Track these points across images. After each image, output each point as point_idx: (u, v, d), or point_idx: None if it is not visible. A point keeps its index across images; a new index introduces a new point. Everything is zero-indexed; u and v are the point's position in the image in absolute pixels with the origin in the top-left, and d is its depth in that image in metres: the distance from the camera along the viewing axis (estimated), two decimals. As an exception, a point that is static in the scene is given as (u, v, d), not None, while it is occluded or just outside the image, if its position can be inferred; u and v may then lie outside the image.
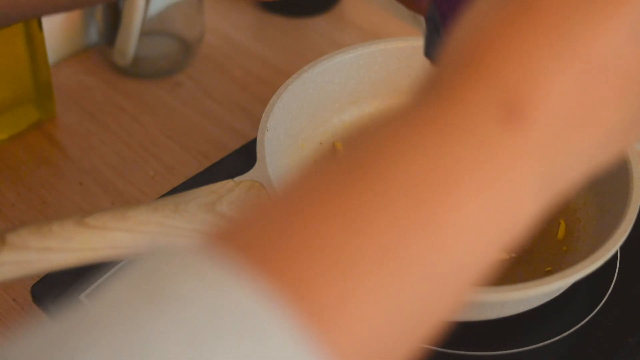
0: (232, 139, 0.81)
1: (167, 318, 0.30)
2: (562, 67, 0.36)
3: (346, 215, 0.33)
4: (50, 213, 0.75)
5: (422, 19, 0.62)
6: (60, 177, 0.78)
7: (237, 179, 0.62)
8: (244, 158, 0.72)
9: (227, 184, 0.61)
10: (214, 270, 0.31)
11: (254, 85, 0.86)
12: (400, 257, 0.33)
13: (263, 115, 0.67)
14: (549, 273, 0.65)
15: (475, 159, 0.35)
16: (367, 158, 0.35)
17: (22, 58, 0.77)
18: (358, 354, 0.32)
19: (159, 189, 0.77)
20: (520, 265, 0.66)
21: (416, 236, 0.33)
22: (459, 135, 0.35)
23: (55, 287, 0.64)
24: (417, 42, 0.75)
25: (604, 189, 0.66)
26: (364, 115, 0.76)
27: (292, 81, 0.70)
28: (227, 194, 0.60)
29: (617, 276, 0.67)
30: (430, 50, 0.57)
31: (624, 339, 0.64)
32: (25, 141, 0.81)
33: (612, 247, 0.59)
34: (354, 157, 0.35)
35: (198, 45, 0.88)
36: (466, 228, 0.34)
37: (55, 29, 0.86)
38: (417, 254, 0.33)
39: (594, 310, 0.65)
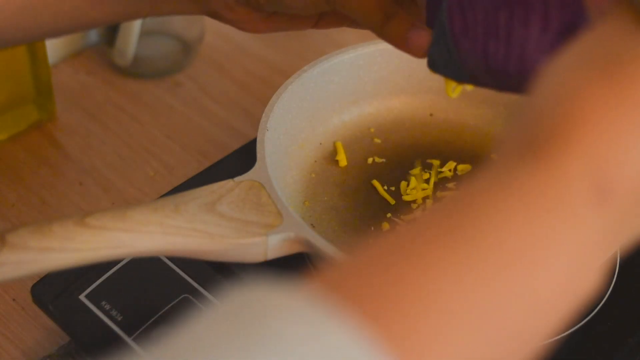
0: (232, 139, 0.81)
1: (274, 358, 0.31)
2: None
3: (438, 270, 0.35)
4: (50, 213, 0.75)
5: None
6: (60, 177, 0.78)
7: (237, 179, 0.62)
8: (244, 158, 0.72)
9: (227, 184, 0.61)
10: (315, 314, 0.32)
11: (254, 85, 0.86)
12: (489, 315, 0.35)
13: (263, 115, 0.67)
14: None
15: (563, 237, 0.37)
16: (463, 220, 0.37)
17: (22, 58, 0.77)
18: None
19: (159, 189, 0.77)
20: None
21: (503, 300, 0.36)
22: (551, 212, 0.37)
23: (55, 287, 0.64)
24: (417, 42, 0.75)
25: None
26: (364, 115, 0.76)
27: (292, 81, 0.70)
28: (227, 194, 0.60)
29: (617, 276, 0.67)
30: (435, 63, 0.57)
31: (624, 339, 0.64)
32: (25, 141, 0.81)
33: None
34: (451, 217, 0.37)
35: (198, 45, 0.88)
36: (546, 296, 0.37)
37: (55, 29, 0.86)
38: (502, 314, 0.36)
39: (594, 310, 0.65)
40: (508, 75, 0.52)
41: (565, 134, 0.38)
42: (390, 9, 0.59)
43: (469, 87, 0.59)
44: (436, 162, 0.73)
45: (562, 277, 0.37)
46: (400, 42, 0.59)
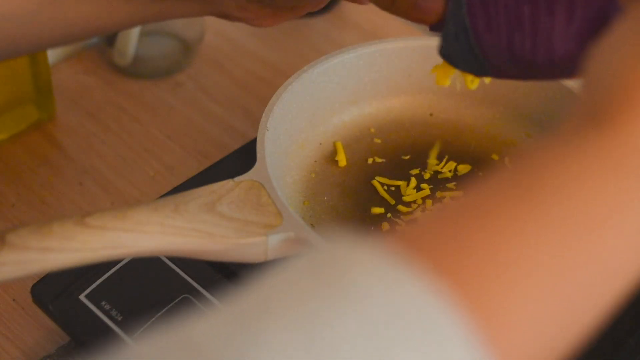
0: (232, 139, 0.81)
1: (348, 312, 0.32)
2: None
3: (514, 229, 0.36)
4: (50, 213, 0.75)
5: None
6: (60, 177, 0.78)
7: (237, 179, 0.62)
8: (244, 158, 0.72)
9: (227, 184, 0.61)
10: (394, 269, 0.33)
11: (254, 85, 0.86)
12: (562, 275, 0.36)
13: (263, 115, 0.67)
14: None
15: (635, 201, 0.38)
16: (535, 180, 0.38)
17: (22, 58, 0.77)
18: (519, 356, 0.35)
19: (159, 189, 0.77)
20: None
21: (575, 261, 0.37)
22: (620, 176, 0.38)
23: (55, 287, 0.64)
24: (417, 42, 0.75)
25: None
26: (364, 115, 0.76)
27: (292, 81, 0.70)
28: (227, 194, 0.60)
29: (617, 276, 0.67)
30: (448, 50, 0.57)
31: (624, 339, 0.64)
32: (25, 141, 0.81)
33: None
34: (523, 177, 0.38)
35: (198, 45, 0.88)
36: (615, 259, 0.38)
37: (55, 29, 0.86)
38: (574, 275, 0.37)
39: (594, 310, 0.65)
40: (536, 65, 0.52)
41: (629, 101, 0.39)
42: None
43: (487, 80, 0.59)
44: (436, 162, 0.73)
45: (633, 239, 0.38)
46: (412, 12, 0.59)
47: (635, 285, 0.40)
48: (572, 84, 0.72)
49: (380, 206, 0.69)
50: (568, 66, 0.51)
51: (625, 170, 0.38)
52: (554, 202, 0.37)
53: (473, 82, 0.60)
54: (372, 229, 0.68)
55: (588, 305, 0.38)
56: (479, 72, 0.56)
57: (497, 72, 0.55)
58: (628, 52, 0.40)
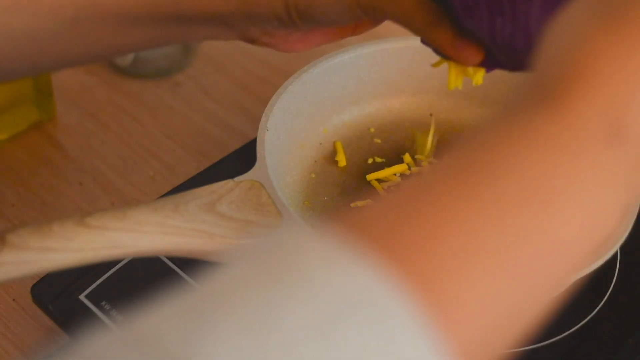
0: (232, 139, 0.81)
1: (298, 300, 0.32)
2: None
3: (465, 212, 0.36)
4: (50, 213, 0.75)
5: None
6: (60, 177, 0.78)
7: (237, 179, 0.62)
8: (244, 158, 0.72)
9: (227, 184, 0.61)
10: (344, 259, 0.33)
11: (254, 85, 0.86)
12: (513, 254, 0.36)
13: (263, 115, 0.67)
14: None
15: (581, 177, 0.38)
16: (482, 161, 0.38)
17: (22, 58, 0.77)
18: (471, 342, 0.35)
19: (159, 189, 0.77)
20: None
21: (526, 239, 0.36)
22: (568, 153, 0.38)
23: (55, 287, 0.64)
24: (417, 42, 0.75)
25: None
26: (364, 115, 0.76)
27: (292, 81, 0.70)
28: (227, 194, 0.60)
29: (617, 276, 0.67)
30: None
31: (624, 339, 0.64)
32: (25, 141, 0.81)
33: (612, 247, 0.59)
34: (470, 159, 0.38)
35: (198, 45, 0.88)
36: (567, 235, 0.37)
37: (55, 29, 0.86)
38: (526, 253, 0.36)
39: (594, 310, 0.65)
40: (516, 51, 0.52)
41: (578, 78, 0.39)
42: (433, 13, 0.58)
43: (477, 80, 0.59)
44: (436, 162, 0.73)
45: (582, 215, 0.37)
46: (449, 48, 0.59)
47: (589, 262, 0.40)
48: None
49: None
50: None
51: (572, 149, 0.38)
52: (505, 183, 0.37)
53: (475, 75, 0.60)
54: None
55: (543, 286, 0.37)
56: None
57: (485, 61, 0.56)
58: (579, 27, 0.40)
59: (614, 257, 0.66)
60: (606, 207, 0.39)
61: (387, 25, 0.92)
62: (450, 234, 0.35)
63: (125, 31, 0.61)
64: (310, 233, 0.35)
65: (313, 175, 0.71)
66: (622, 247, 0.62)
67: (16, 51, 0.59)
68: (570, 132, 0.38)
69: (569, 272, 0.38)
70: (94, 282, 0.64)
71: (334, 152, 0.73)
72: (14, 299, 0.70)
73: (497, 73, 0.76)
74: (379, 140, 0.75)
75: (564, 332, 0.64)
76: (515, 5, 0.51)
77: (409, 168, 0.71)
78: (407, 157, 0.73)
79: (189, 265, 0.65)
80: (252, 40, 0.63)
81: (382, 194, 0.37)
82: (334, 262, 0.33)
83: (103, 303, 0.63)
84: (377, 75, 0.75)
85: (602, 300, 0.66)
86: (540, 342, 0.64)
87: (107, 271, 0.65)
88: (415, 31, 0.59)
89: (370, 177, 0.71)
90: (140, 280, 0.64)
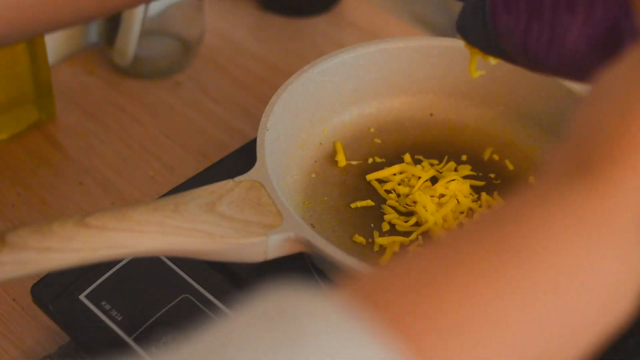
0: (232, 139, 0.81)
1: None
2: None
3: (479, 292, 0.35)
4: (50, 213, 0.75)
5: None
6: (60, 177, 0.78)
7: (237, 179, 0.62)
8: (244, 158, 0.72)
9: (227, 184, 0.61)
10: (350, 326, 0.32)
11: (254, 85, 0.86)
12: (520, 340, 0.35)
13: (263, 115, 0.67)
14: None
15: (607, 267, 0.37)
16: (506, 237, 0.36)
17: (22, 58, 0.77)
18: None
19: (159, 189, 0.77)
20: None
21: (544, 320, 0.35)
22: (599, 241, 0.36)
23: (55, 287, 0.64)
24: (417, 42, 0.75)
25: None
26: (364, 115, 0.76)
27: (292, 81, 0.70)
28: (227, 194, 0.60)
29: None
30: (464, 23, 0.56)
31: (624, 339, 0.64)
32: (25, 141, 0.81)
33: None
34: (499, 235, 0.36)
35: (198, 45, 0.88)
36: (583, 319, 0.37)
37: (55, 29, 0.86)
38: (540, 341, 0.35)
39: (594, 310, 0.65)
40: (546, 58, 0.51)
41: (620, 157, 0.37)
42: None
43: (493, 61, 0.58)
44: (436, 162, 0.73)
45: (601, 302, 0.37)
46: None
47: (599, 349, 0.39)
48: (572, 85, 0.72)
49: (380, 206, 0.69)
50: (574, 68, 0.50)
51: (604, 236, 0.36)
52: (531, 268, 0.35)
53: (478, 72, 0.59)
54: (372, 226, 0.68)
55: None
56: (488, 50, 0.55)
57: (507, 57, 0.54)
58: (625, 97, 0.38)
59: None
60: (625, 294, 0.37)
61: (387, 25, 0.93)
62: (463, 316, 0.34)
63: None
64: (320, 297, 0.34)
65: (313, 175, 0.71)
66: None
67: (3, 19, 0.59)
68: (604, 216, 0.37)
69: (578, 355, 0.37)
70: (94, 282, 0.64)
71: (334, 152, 0.73)
72: (14, 299, 0.70)
73: (498, 73, 0.76)
74: (379, 140, 0.75)
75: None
76: (556, 14, 0.49)
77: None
78: (407, 157, 0.73)
79: (189, 265, 0.65)
80: None
81: (401, 257, 0.35)
82: (341, 331, 0.32)
83: (103, 303, 0.63)
84: (377, 75, 0.75)
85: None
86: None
87: (107, 271, 0.65)
88: None
89: (370, 177, 0.71)
90: (140, 280, 0.64)
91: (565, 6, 0.49)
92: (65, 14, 0.61)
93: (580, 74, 0.50)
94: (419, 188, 0.69)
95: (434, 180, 0.70)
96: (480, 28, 0.54)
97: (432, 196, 0.68)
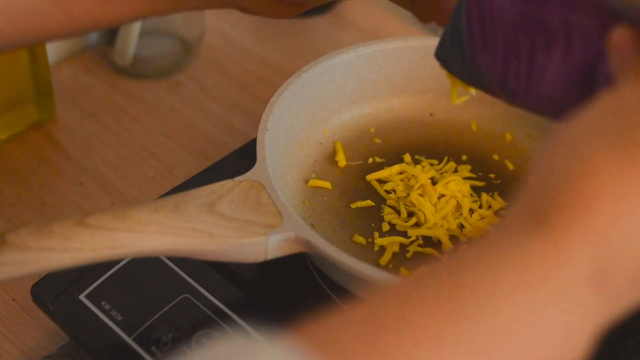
0: (232, 139, 0.81)
1: None
2: None
3: (426, 344, 0.35)
4: (50, 213, 0.75)
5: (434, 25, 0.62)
6: (60, 177, 0.78)
7: (237, 179, 0.62)
8: (244, 158, 0.72)
9: (227, 184, 0.61)
10: None
11: (254, 85, 0.86)
12: None
13: (263, 115, 0.67)
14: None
15: (558, 316, 0.37)
16: (460, 291, 0.37)
17: (22, 58, 0.77)
18: None
19: (159, 189, 0.77)
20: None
21: None
22: (550, 291, 0.37)
23: (55, 287, 0.64)
24: (417, 42, 0.75)
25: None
26: (364, 115, 0.76)
27: (292, 81, 0.70)
28: (227, 194, 0.60)
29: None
30: (445, 55, 0.57)
31: (624, 339, 0.64)
32: (25, 141, 0.81)
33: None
34: (448, 284, 0.37)
35: (198, 45, 0.88)
36: None
37: (55, 29, 0.86)
38: None
39: (594, 310, 0.65)
40: (524, 97, 0.51)
41: (573, 211, 0.37)
42: None
43: (473, 92, 0.58)
44: (436, 162, 0.73)
45: (550, 352, 0.37)
46: (433, 12, 0.58)
47: None
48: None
49: (380, 207, 0.69)
50: (551, 107, 0.50)
51: (555, 286, 0.37)
52: (480, 319, 0.36)
53: (460, 99, 0.60)
54: (373, 225, 0.68)
55: None
56: (469, 82, 0.56)
57: (487, 90, 0.55)
58: (582, 150, 0.39)
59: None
60: (577, 342, 0.38)
61: (387, 25, 0.93)
62: None
63: (112, 4, 0.61)
64: (273, 342, 0.34)
65: (313, 175, 0.71)
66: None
67: None
68: (555, 269, 0.37)
69: None
70: (94, 282, 0.64)
71: (334, 152, 0.73)
72: (14, 299, 0.70)
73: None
74: (379, 140, 0.75)
75: None
76: (533, 54, 0.49)
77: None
78: (407, 157, 0.73)
79: (189, 265, 0.65)
80: (244, 9, 0.65)
81: (350, 305, 0.36)
82: None
83: (103, 303, 0.63)
84: (377, 75, 0.75)
85: (602, 300, 0.66)
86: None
87: (107, 271, 0.65)
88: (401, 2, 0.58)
89: (370, 177, 0.71)
90: (140, 280, 0.64)
91: (541, 45, 0.49)
92: (57, 26, 0.61)
93: (558, 113, 0.50)
94: (418, 188, 0.69)
95: (434, 180, 0.70)
96: (460, 62, 0.54)
97: (432, 197, 0.68)
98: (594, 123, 0.40)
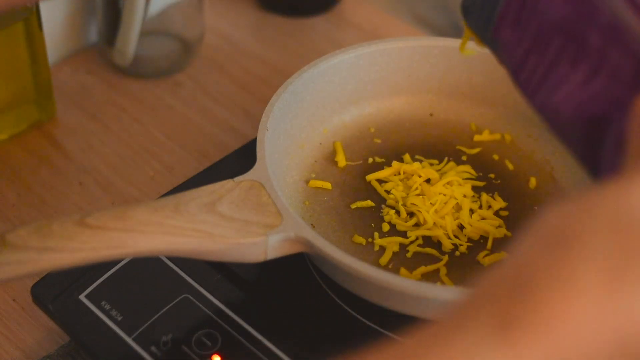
0: (232, 139, 0.81)
1: None
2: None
3: None
4: (50, 213, 0.75)
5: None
6: (60, 177, 0.78)
7: (237, 179, 0.62)
8: (244, 158, 0.72)
9: (227, 184, 0.61)
10: None
11: (254, 85, 0.86)
12: None
13: (263, 115, 0.67)
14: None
15: None
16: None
17: (22, 58, 0.77)
18: None
19: (159, 189, 0.77)
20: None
21: None
22: None
23: (55, 287, 0.64)
24: (417, 42, 0.75)
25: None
26: (364, 115, 0.76)
27: (292, 81, 0.70)
28: (227, 194, 0.60)
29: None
30: (468, 4, 0.54)
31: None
32: (25, 141, 0.81)
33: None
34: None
35: (198, 45, 0.88)
36: None
37: (55, 29, 0.86)
38: None
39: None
40: (530, 97, 0.49)
41: (543, 327, 0.36)
42: None
43: (484, 49, 0.55)
44: (436, 162, 0.73)
45: None
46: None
47: None
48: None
49: (380, 207, 0.69)
50: (553, 119, 0.48)
51: None
52: None
53: (468, 50, 0.58)
54: (373, 225, 0.68)
55: None
56: (484, 41, 0.53)
57: (497, 57, 0.52)
58: (577, 267, 0.37)
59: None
60: None
61: (387, 25, 0.93)
62: None
63: None
64: None
65: (313, 175, 0.71)
66: None
67: None
68: None
69: None
70: (94, 282, 0.64)
71: (334, 152, 0.73)
72: (14, 299, 0.70)
73: (498, 73, 0.76)
74: (379, 140, 0.75)
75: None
76: (558, 60, 0.46)
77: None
78: (407, 157, 0.73)
79: (189, 265, 0.65)
80: None
81: None
82: None
83: (103, 303, 0.63)
84: (377, 75, 0.75)
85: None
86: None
87: (107, 271, 0.65)
88: None
89: (370, 177, 0.71)
90: (140, 280, 0.64)
91: (570, 57, 0.46)
92: None
93: (556, 129, 0.48)
94: (416, 189, 0.69)
95: (433, 180, 0.70)
96: (483, 22, 0.52)
97: (431, 197, 0.68)
98: (593, 231, 0.38)
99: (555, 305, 0.36)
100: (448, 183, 0.69)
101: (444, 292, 0.58)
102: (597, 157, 0.45)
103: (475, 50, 0.60)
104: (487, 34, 0.52)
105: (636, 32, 0.44)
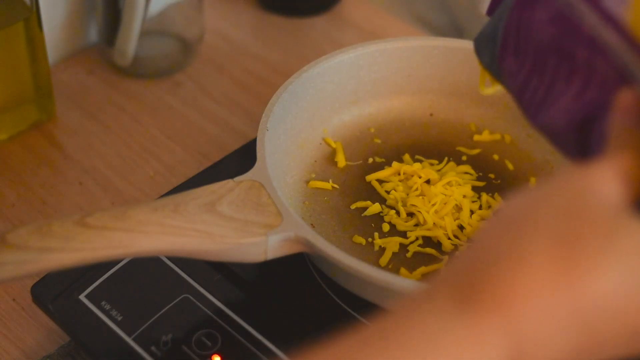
0: (232, 139, 0.81)
1: None
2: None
3: None
4: (50, 213, 0.75)
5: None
6: (60, 177, 0.78)
7: (237, 179, 0.62)
8: (244, 158, 0.72)
9: (227, 184, 0.61)
10: None
11: (254, 85, 0.86)
12: None
13: (263, 115, 0.67)
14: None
15: None
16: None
17: (22, 58, 0.77)
18: None
19: (159, 189, 0.77)
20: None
21: None
22: None
23: (55, 287, 0.64)
24: (417, 42, 0.75)
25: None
26: (364, 115, 0.76)
27: (292, 81, 0.70)
28: (227, 194, 0.60)
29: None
30: (479, 44, 0.56)
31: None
32: (25, 141, 0.81)
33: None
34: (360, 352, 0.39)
35: (198, 45, 0.88)
36: None
37: (55, 29, 0.86)
38: None
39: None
40: (533, 118, 0.51)
41: (499, 300, 0.39)
42: None
43: (499, 88, 0.58)
44: (436, 162, 0.73)
45: None
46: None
47: None
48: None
49: (380, 207, 0.69)
50: (552, 136, 0.50)
51: None
52: None
53: (487, 90, 0.60)
54: (373, 225, 0.68)
55: None
56: (496, 77, 0.56)
57: (506, 86, 0.55)
58: (532, 240, 0.39)
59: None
60: None
61: (387, 25, 0.93)
62: None
63: None
64: None
65: (313, 175, 0.71)
66: None
67: None
68: (474, 351, 0.38)
69: None
70: (94, 282, 0.64)
71: (334, 152, 0.73)
72: (14, 299, 0.70)
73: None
74: (379, 140, 0.75)
75: None
76: (555, 78, 0.49)
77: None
78: (407, 157, 0.73)
79: (189, 265, 0.65)
80: None
81: None
82: None
83: (103, 303, 0.63)
84: (377, 75, 0.75)
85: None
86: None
87: (107, 271, 0.65)
88: None
89: (370, 177, 0.71)
90: (140, 280, 0.64)
91: (564, 73, 0.49)
92: None
93: (558, 146, 0.51)
94: (416, 189, 0.69)
95: (433, 180, 0.70)
96: (489, 57, 0.55)
97: (431, 197, 0.68)
98: (547, 213, 0.40)
99: (510, 282, 0.39)
100: (448, 183, 0.69)
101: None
102: (589, 158, 0.47)
103: (493, 89, 0.61)
104: (494, 67, 0.55)
105: (610, 42, 0.46)
